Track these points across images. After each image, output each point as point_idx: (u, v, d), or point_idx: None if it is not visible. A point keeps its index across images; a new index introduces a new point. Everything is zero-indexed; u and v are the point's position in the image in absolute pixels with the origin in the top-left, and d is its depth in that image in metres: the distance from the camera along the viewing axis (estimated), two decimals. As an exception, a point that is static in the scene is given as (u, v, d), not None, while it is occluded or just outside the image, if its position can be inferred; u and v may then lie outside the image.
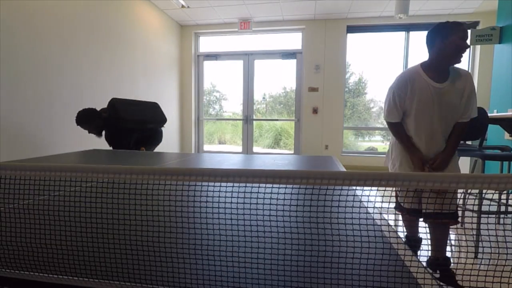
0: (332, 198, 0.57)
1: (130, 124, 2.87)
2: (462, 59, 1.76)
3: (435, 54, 1.78)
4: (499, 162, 2.98)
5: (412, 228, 2.14)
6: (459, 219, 1.84)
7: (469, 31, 2.01)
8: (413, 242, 2.14)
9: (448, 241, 1.96)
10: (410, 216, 2.02)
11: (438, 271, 1.86)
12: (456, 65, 1.85)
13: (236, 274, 0.53)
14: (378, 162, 5.66)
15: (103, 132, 2.96)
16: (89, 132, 2.82)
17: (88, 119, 2.73)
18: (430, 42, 1.83)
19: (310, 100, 5.81)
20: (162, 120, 3.19)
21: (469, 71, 5.44)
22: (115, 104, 2.81)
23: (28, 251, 0.60)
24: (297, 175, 0.51)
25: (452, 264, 1.95)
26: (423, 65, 1.86)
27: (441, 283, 0.53)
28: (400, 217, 2.41)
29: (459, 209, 2.66)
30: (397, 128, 1.97)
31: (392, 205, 2.63)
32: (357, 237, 0.57)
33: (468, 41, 4.78)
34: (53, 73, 3.20)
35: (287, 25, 5.77)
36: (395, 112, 1.93)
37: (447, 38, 1.73)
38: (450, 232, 2.66)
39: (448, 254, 2.28)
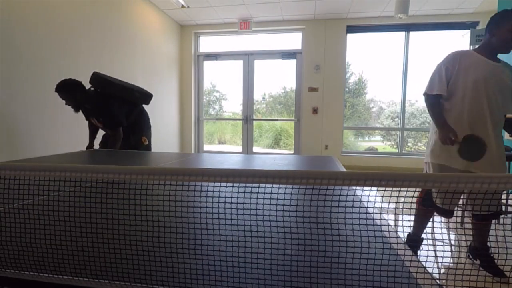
0: (332, 198, 0.57)
1: (117, 88, 2.77)
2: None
3: (487, 40, 1.82)
4: (499, 162, 2.97)
5: (421, 228, 2.14)
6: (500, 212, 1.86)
7: (469, 31, 2.01)
8: (415, 242, 2.13)
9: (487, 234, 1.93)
10: (446, 217, 1.96)
11: (477, 259, 1.89)
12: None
13: (236, 274, 0.53)
14: (378, 162, 5.66)
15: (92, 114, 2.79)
16: (66, 103, 2.62)
17: (70, 88, 2.58)
18: (487, 26, 1.85)
19: (310, 100, 5.81)
20: (148, 94, 3.12)
21: (469, 71, 5.42)
22: (98, 74, 2.78)
23: (28, 251, 0.60)
24: (297, 175, 0.51)
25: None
26: (475, 49, 1.88)
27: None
28: (400, 217, 2.41)
29: (458, 209, 2.66)
30: (433, 101, 1.91)
31: (392, 205, 2.64)
32: (357, 237, 0.57)
33: (468, 41, 4.77)
34: (53, 73, 3.20)
35: (287, 25, 5.77)
36: (436, 83, 1.88)
37: (501, 26, 1.75)
38: (450, 232, 2.66)
39: (448, 253, 2.28)
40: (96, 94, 2.75)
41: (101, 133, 3.10)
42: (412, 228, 2.18)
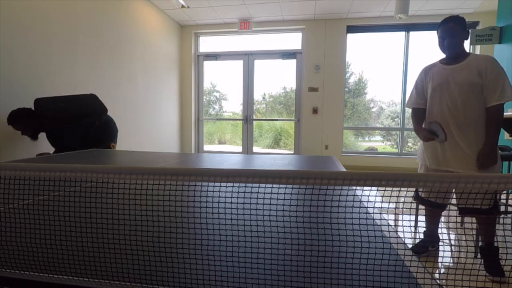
0: (332, 198, 0.57)
1: (61, 122, 2.65)
2: (454, 50, 1.89)
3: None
4: (499, 162, 2.97)
5: (432, 224, 2.17)
6: (497, 211, 1.84)
7: (469, 31, 2.04)
8: (432, 238, 2.16)
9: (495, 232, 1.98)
10: (431, 209, 2.06)
11: (483, 260, 1.90)
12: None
13: (236, 274, 0.53)
14: (378, 162, 5.66)
15: (43, 136, 2.70)
16: (22, 133, 2.56)
17: (21, 118, 2.51)
18: None
19: (310, 100, 5.81)
20: (102, 110, 2.99)
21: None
22: (40, 103, 2.62)
23: (28, 251, 0.60)
24: (297, 175, 0.51)
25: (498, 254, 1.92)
26: (441, 59, 2.03)
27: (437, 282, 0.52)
28: (400, 217, 2.41)
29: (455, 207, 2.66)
30: (411, 114, 2.17)
31: (392, 205, 2.64)
32: (357, 237, 0.57)
33: (468, 41, 4.79)
34: (53, 73, 3.20)
35: (287, 25, 5.77)
36: (408, 99, 2.16)
37: (437, 33, 1.96)
38: (450, 232, 2.66)
39: (448, 253, 2.28)
40: (50, 121, 2.65)
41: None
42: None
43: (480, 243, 2.00)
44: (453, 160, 1.90)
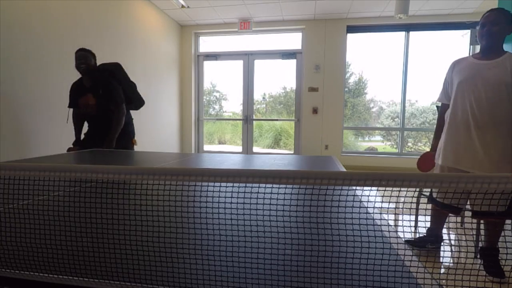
0: (332, 198, 0.57)
1: (125, 78, 2.83)
2: (492, 39, 1.78)
3: None
4: (499, 162, 2.97)
5: (436, 224, 2.17)
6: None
7: (469, 31, 2.04)
8: (434, 237, 2.16)
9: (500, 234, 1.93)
10: (444, 211, 2.03)
11: (483, 261, 1.89)
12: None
13: (236, 274, 0.53)
14: (378, 162, 5.66)
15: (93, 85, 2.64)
16: (79, 63, 2.55)
17: (89, 52, 2.62)
18: None
19: (310, 100, 5.81)
20: (142, 100, 3.15)
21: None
22: (113, 68, 2.83)
23: (28, 251, 0.60)
24: (297, 175, 0.51)
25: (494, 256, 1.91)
26: (474, 54, 1.96)
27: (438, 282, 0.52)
28: (400, 217, 2.42)
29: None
30: (439, 110, 2.13)
31: (392, 205, 2.64)
32: (357, 237, 0.57)
33: (468, 41, 4.77)
34: (53, 72, 3.20)
35: (287, 25, 5.77)
36: (440, 94, 2.10)
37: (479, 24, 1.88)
38: (450, 232, 2.66)
39: (448, 253, 2.28)
40: (105, 71, 2.77)
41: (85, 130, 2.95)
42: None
43: (480, 244, 2.00)
44: (467, 160, 1.82)
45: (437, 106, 2.24)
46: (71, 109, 2.81)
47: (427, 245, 2.19)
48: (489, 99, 1.74)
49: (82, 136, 2.90)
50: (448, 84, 2.01)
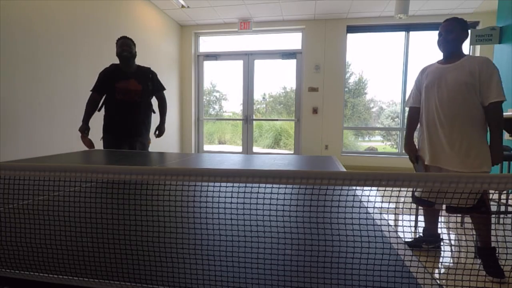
0: (332, 198, 0.57)
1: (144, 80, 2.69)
2: (449, 46, 1.94)
3: None
4: (499, 162, 2.98)
5: (429, 223, 2.20)
6: (488, 211, 1.84)
7: (468, 32, 2.06)
8: (430, 237, 2.18)
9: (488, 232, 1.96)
10: (420, 205, 2.10)
11: (481, 260, 1.92)
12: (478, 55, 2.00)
13: (236, 274, 0.53)
14: (378, 162, 5.66)
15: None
16: (123, 48, 2.56)
17: (132, 42, 2.65)
18: None
19: (310, 100, 5.81)
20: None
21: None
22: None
23: (28, 251, 0.60)
24: (297, 175, 0.51)
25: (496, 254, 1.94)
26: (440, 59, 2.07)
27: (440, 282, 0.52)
28: (400, 217, 2.42)
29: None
30: (408, 113, 2.23)
31: (392, 205, 2.64)
32: (357, 237, 0.57)
33: (468, 41, 4.77)
34: (53, 73, 3.20)
35: (287, 25, 5.77)
36: (410, 97, 2.21)
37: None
38: (450, 232, 2.66)
39: (448, 253, 2.28)
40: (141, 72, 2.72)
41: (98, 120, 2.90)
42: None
43: (478, 244, 2.02)
44: (439, 157, 1.96)
45: None
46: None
47: (422, 244, 2.20)
48: (451, 99, 1.88)
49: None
50: (416, 89, 2.17)
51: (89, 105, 2.61)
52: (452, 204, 1.82)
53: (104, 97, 2.64)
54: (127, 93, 2.55)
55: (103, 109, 2.66)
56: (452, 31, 1.92)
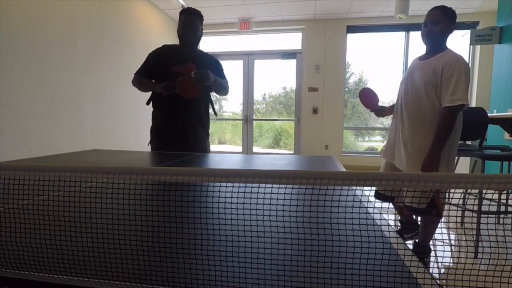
0: (332, 198, 0.57)
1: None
2: (432, 39, 1.84)
3: None
4: (499, 162, 2.99)
5: (401, 213, 2.21)
6: (438, 214, 1.80)
7: (469, 31, 2.05)
8: (407, 224, 2.17)
9: (433, 234, 2.03)
10: (381, 200, 2.10)
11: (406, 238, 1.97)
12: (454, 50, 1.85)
13: (236, 274, 0.53)
14: (378, 162, 5.65)
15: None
16: (187, 24, 2.00)
17: (200, 19, 2.07)
18: None
19: (310, 100, 5.81)
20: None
21: (469, 71, 5.43)
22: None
23: (28, 251, 0.60)
24: (297, 175, 0.51)
25: (431, 256, 2.02)
26: None
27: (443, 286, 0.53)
28: (399, 217, 2.42)
29: (459, 209, 2.66)
30: None
31: (392, 205, 2.65)
32: (357, 237, 0.57)
33: (468, 41, 4.77)
34: (53, 72, 3.20)
35: (287, 25, 5.77)
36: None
37: None
38: (450, 232, 2.66)
39: (448, 253, 2.28)
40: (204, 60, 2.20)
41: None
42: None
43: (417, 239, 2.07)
44: (393, 153, 1.94)
45: None
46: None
47: (403, 235, 2.22)
48: (413, 98, 1.81)
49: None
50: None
51: (141, 81, 2.11)
52: (406, 203, 1.80)
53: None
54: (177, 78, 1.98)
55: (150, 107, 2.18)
56: (439, 22, 1.78)
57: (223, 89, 2.27)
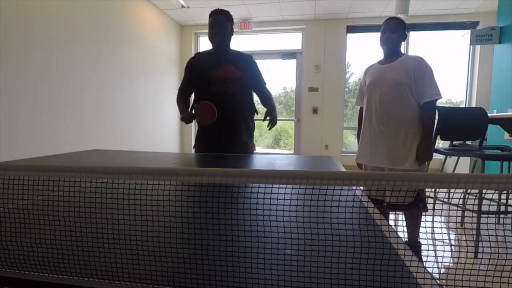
0: (332, 198, 0.57)
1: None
2: (392, 45, 2.03)
3: None
4: (499, 162, 2.99)
5: (387, 217, 2.23)
6: (423, 208, 1.88)
7: (469, 31, 2.08)
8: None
9: (420, 227, 2.04)
10: (375, 205, 2.09)
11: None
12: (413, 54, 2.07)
13: (236, 274, 0.53)
14: (378, 162, 5.66)
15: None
16: (214, 26, 2.03)
17: (230, 16, 2.03)
18: None
19: (310, 100, 5.81)
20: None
21: (469, 71, 5.43)
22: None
23: (28, 251, 0.60)
24: (297, 175, 0.51)
25: (424, 250, 2.04)
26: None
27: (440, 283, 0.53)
28: (399, 217, 2.43)
29: (459, 209, 2.66)
30: (359, 113, 2.29)
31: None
32: (357, 237, 0.57)
33: (468, 41, 4.77)
34: (53, 72, 3.20)
35: (287, 25, 5.77)
36: (357, 98, 2.28)
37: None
38: (450, 232, 2.66)
39: (448, 253, 2.28)
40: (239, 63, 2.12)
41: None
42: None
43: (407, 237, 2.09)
44: (376, 156, 2.00)
45: None
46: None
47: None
48: (390, 99, 1.93)
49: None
50: (360, 89, 2.23)
51: (178, 106, 2.07)
52: (391, 202, 1.87)
53: (193, 95, 2.08)
54: (224, 82, 1.96)
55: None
56: (396, 30, 2.00)
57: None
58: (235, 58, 2.09)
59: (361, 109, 2.24)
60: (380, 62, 2.10)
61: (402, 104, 1.89)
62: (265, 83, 2.21)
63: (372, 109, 2.02)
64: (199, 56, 2.18)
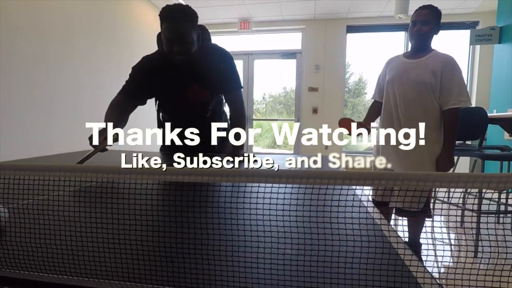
0: (332, 198, 0.57)
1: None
2: (421, 39, 1.79)
3: None
4: (498, 162, 2.99)
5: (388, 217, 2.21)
6: (431, 214, 1.85)
7: (469, 31, 2.06)
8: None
9: (421, 230, 2.01)
10: (379, 208, 2.07)
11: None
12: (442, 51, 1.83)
13: (236, 274, 0.53)
14: (378, 162, 5.66)
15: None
16: (180, 32, 1.50)
17: (192, 16, 1.54)
18: None
19: (310, 100, 5.81)
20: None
21: (469, 71, 5.43)
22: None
23: (28, 251, 0.60)
24: (297, 175, 0.51)
25: (423, 250, 2.02)
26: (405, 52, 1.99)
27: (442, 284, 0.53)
28: (399, 217, 2.42)
29: (458, 208, 2.66)
30: (370, 106, 2.15)
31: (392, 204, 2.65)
32: (357, 236, 0.57)
33: (468, 41, 4.77)
34: (52, 72, 3.20)
35: (287, 25, 5.77)
36: (375, 91, 2.11)
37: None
38: (450, 232, 2.66)
39: (448, 253, 2.28)
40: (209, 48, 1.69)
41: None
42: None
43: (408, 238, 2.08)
44: (390, 156, 1.87)
45: None
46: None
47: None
48: (411, 98, 1.78)
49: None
50: (382, 82, 2.03)
51: (116, 110, 1.82)
52: (399, 207, 1.80)
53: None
54: (195, 107, 1.79)
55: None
56: (429, 22, 1.76)
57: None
58: (203, 73, 1.64)
59: (374, 103, 2.07)
60: (405, 55, 1.89)
61: (423, 106, 1.74)
62: (238, 88, 1.79)
63: (390, 106, 1.87)
64: (154, 62, 1.73)
